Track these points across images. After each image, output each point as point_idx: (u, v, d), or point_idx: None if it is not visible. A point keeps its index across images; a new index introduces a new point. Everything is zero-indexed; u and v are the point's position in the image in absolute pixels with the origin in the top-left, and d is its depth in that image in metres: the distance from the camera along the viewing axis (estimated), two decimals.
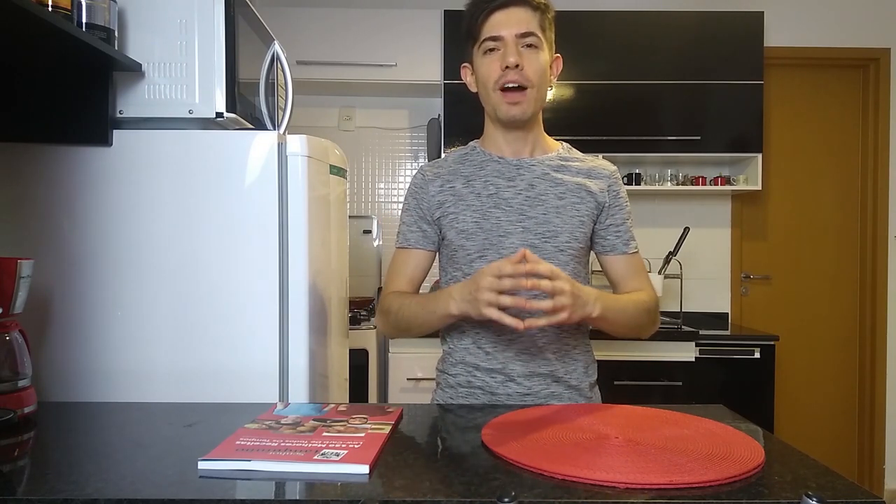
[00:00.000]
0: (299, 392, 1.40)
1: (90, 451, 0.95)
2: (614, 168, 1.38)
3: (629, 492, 0.75)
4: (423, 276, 1.37)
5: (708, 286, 3.43)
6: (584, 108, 3.09)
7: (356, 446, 0.88)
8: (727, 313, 3.45)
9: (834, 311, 3.49)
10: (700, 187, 3.26)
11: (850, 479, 0.80)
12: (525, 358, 1.29)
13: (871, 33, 3.39)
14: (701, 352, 2.86)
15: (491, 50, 1.26)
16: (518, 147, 1.34)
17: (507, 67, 1.24)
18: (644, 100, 3.09)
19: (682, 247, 3.06)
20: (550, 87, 1.33)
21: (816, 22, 3.40)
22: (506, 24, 1.24)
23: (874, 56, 3.40)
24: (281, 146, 1.38)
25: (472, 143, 1.39)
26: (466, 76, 1.35)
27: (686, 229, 3.06)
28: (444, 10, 3.05)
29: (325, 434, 0.93)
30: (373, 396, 2.83)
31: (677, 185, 3.28)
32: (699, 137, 3.09)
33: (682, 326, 2.93)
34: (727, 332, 3.06)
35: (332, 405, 1.10)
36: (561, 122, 3.03)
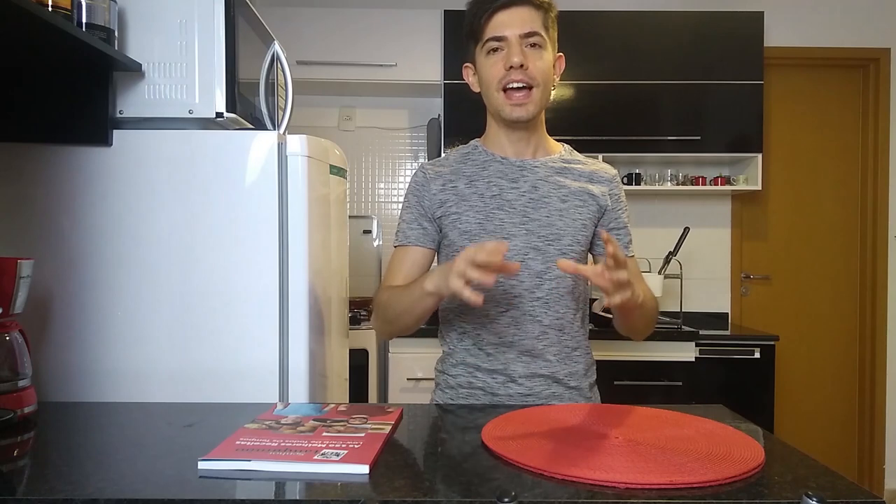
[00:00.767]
0: (299, 392, 1.40)
1: (90, 451, 0.95)
2: (615, 172, 1.38)
3: (629, 492, 0.75)
4: (421, 274, 1.36)
5: (708, 286, 3.43)
6: (584, 108, 3.08)
7: (356, 446, 0.88)
8: (727, 313, 3.45)
9: (834, 311, 3.49)
10: (700, 187, 3.26)
11: (850, 479, 0.80)
12: (526, 359, 1.29)
13: (871, 33, 3.39)
14: (701, 352, 2.86)
15: (494, 50, 1.26)
16: (521, 148, 1.34)
17: (511, 67, 1.23)
18: (644, 100, 3.09)
19: (682, 247, 3.06)
20: (554, 86, 1.32)
21: (816, 22, 3.40)
22: (509, 24, 1.24)
23: (874, 56, 3.40)
24: (281, 146, 1.38)
25: (473, 142, 1.39)
26: (469, 76, 1.35)
27: (686, 229, 3.06)
28: (444, 10, 3.06)
29: (325, 434, 0.93)
30: (373, 396, 2.83)
31: (677, 185, 3.28)
32: (699, 137, 3.09)
33: (682, 326, 2.93)
34: (727, 332, 3.06)
35: (332, 405, 1.10)
36: (561, 122, 3.02)
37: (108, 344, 1.35)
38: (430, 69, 3.13)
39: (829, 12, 3.40)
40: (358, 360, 2.67)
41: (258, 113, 1.54)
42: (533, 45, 1.25)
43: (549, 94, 1.31)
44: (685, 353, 2.82)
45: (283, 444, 0.88)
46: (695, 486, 0.76)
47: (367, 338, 2.80)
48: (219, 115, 1.35)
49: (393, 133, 3.50)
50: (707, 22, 3.10)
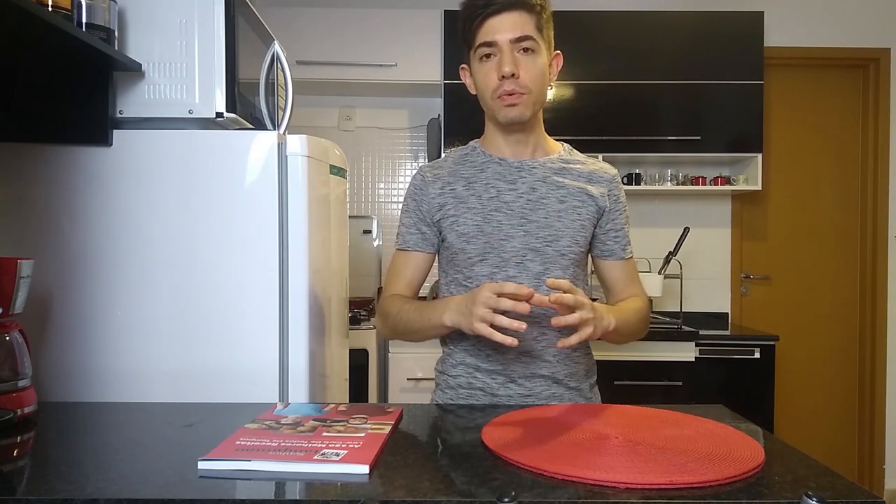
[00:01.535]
0: (299, 392, 1.40)
1: (90, 451, 0.95)
2: (615, 172, 1.38)
3: (629, 492, 0.75)
4: (422, 278, 1.37)
5: (708, 286, 3.44)
6: (584, 108, 3.09)
7: (356, 446, 0.88)
8: (727, 313, 3.45)
9: (834, 311, 3.49)
10: (700, 187, 3.26)
11: (850, 479, 0.80)
12: (526, 360, 1.29)
13: (871, 33, 3.39)
14: (701, 352, 2.86)
15: (487, 56, 1.25)
16: (519, 148, 1.33)
17: (503, 77, 1.23)
18: (644, 100, 3.09)
19: (682, 247, 3.06)
20: (551, 86, 1.32)
21: (816, 22, 3.40)
22: (500, 29, 1.22)
23: (874, 56, 3.40)
24: (281, 146, 1.38)
25: (472, 143, 1.39)
26: (465, 78, 1.35)
27: (686, 229, 3.06)
28: (444, 10, 3.06)
29: (325, 434, 0.93)
30: (373, 396, 2.83)
31: (677, 185, 3.28)
32: (699, 137, 3.09)
33: (682, 326, 2.93)
34: (727, 332, 3.06)
35: (332, 405, 1.10)
36: (561, 122, 3.03)
37: (108, 344, 1.35)
38: (430, 69, 3.12)
39: (829, 12, 3.40)
40: (358, 360, 2.67)
41: (258, 113, 1.54)
42: (525, 50, 1.23)
43: (545, 96, 1.31)
44: (685, 353, 2.82)
45: (283, 444, 0.88)
46: (695, 486, 0.76)
47: (367, 338, 2.80)
48: (219, 115, 1.35)
49: (393, 133, 3.50)
50: (707, 22, 3.10)
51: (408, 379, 2.78)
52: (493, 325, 1.06)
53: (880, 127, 3.41)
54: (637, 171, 3.27)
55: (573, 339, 1.07)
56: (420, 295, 1.39)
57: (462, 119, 2.98)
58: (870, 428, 3.42)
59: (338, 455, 0.84)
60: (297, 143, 1.40)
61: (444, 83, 3.08)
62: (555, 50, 1.31)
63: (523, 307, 1.06)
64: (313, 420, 1.00)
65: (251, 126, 1.47)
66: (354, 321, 2.87)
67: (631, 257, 1.37)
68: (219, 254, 1.36)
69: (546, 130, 1.38)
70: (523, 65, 1.23)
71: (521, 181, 1.31)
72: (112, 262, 1.35)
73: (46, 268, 1.32)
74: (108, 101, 1.34)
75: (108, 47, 1.24)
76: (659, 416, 1.05)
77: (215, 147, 1.37)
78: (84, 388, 1.34)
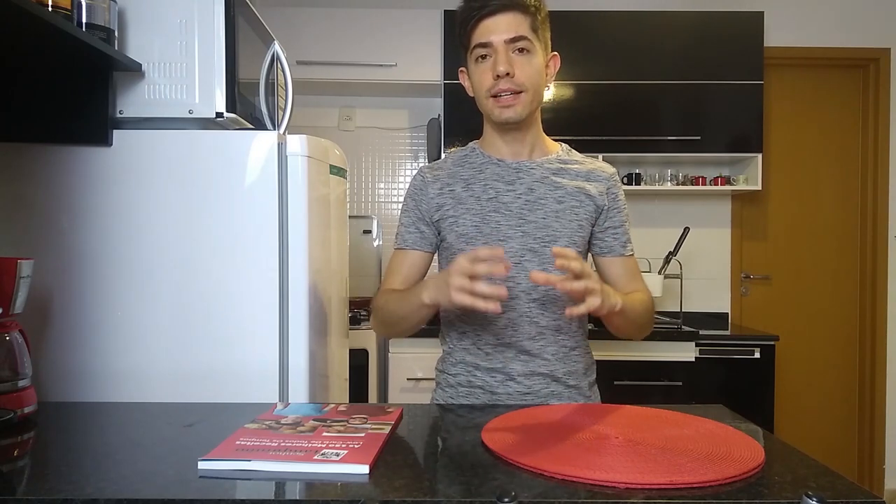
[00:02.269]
0: (299, 392, 1.40)
1: (90, 451, 0.95)
2: (613, 170, 1.38)
3: (629, 492, 0.75)
4: (419, 277, 1.37)
5: (708, 286, 3.43)
6: (584, 108, 3.09)
7: (356, 446, 0.88)
8: (727, 313, 3.45)
9: (834, 312, 3.49)
10: (700, 187, 3.26)
11: (850, 479, 0.80)
12: (524, 358, 1.29)
13: (871, 33, 3.39)
14: (701, 352, 2.86)
15: (483, 57, 1.25)
16: (517, 149, 1.34)
17: (498, 77, 1.23)
18: (644, 100, 3.09)
19: (682, 247, 3.06)
20: (547, 87, 1.32)
21: (816, 22, 3.40)
22: (495, 30, 1.23)
23: (874, 56, 3.40)
24: (281, 146, 1.38)
25: (471, 145, 1.39)
26: (464, 81, 1.35)
27: (686, 229, 3.06)
28: (444, 10, 3.06)
29: (325, 434, 0.93)
30: (373, 396, 2.83)
31: (677, 185, 3.28)
32: (699, 137, 3.09)
33: (682, 326, 2.93)
34: (727, 332, 3.06)
35: (332, 405, 1.10)
36: (561, 122, 3.03)
37: (108, 344, 1.35)
38: (430, 69, 3.13)
39: (829, 12, 3.40)
40: (358, 360, 2.67)
41: (258, 113, 1.54)
42: (521, 51, 1.24)
43: (541, 96, 1.31)
44: (685, 353, 2.82)
45: (283, 444, 0.88)
46: (695, 486, 0.76)
47: (367, 338, 2.80)
48: (219, 115, 1.35)
49: (393, 133, 3.50)
50: (707, 22, 3.10)
51: (408, 379, 2.78)
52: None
53: (880, 127, 3.41)
54: (637, 171, 3.27)
55: (581, 308, 1.05)
56: None
57: (462, 119, 2.98)
58: (870, 428, 3.42)
59: (338, 455, 0.84)
60: (297, 143, 1.40)
61: (444, 83, 3.08)
62: (553, 51, 1.32)
63: (499, 269, 1.04)
64: (313, 420, 1.00)
65: (251, 126, 1.47)
66: (354, 321, 2.87)
67: (632, 254, 1.37)
68: (219, 254, 1.36)
69: (545, 130, 1.38)
70: (518, 64, 1.23)
71: (519, 182, 1.31)
72: (112, 262, 1.35)
73: (46, 268, 1.32)
74: (108, 101, 1.34)
75: (108, 47, 1.24)
76: (659, 416, 1.05)
77: (215, 147, 1.37)
78: (84, 388, 1.34)
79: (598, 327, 2.59)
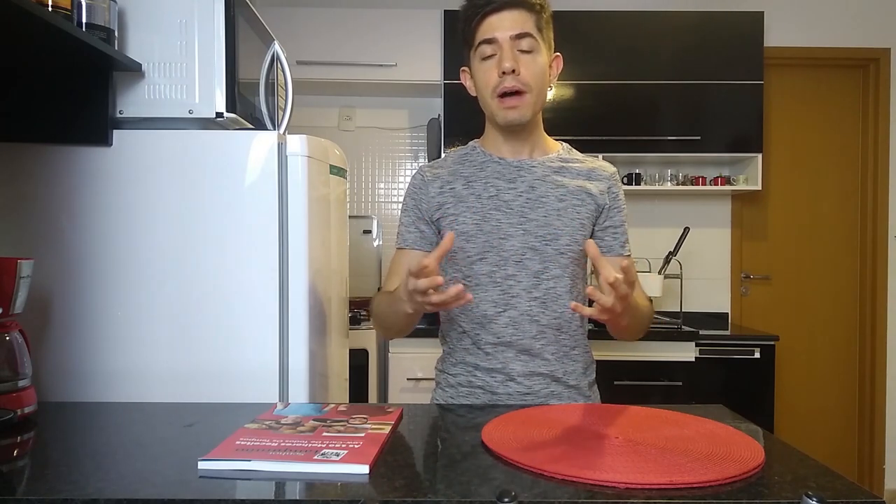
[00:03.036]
0: (299, 392, 1.40)
1: (90, 451, 0.95)
2: (614, 170, 1.38)
3: (629, 492, 0.75)
4: None
5: (708, 286, 3.44)
6: (584, 108, 3.09)
7: (356, 446, 0.88)
8: (727, 313, 3.45)
9: (834, 311, 3.49)
10: (700, 187, 3.26)
11: (850, 479, 0.80)
12: (525, 358, 1.29)
13: (871, 33, 3.39)
14: (701, 352, 2.86)
15: (487, 56, 1.25)
16: (518, 148, 1.34)
17: (503, 73, 1.23)
18: (644, 100, 3.09)
19: (682, 247, 3.06)
20: (550, 87, 1.32)
21: (816, 22, 3.40)
22: (500, 26, 1.23)
23: (874, 56, 3.40)
24: (281, 146, 1.38)
25: (472, 143, 1.39)
26: (466, 80, 1.35)
27: (686, 229, 3.06)
28: (444, 10, 3.06)
29: (325, 434, 0.93)
30: (373, 396, 2.84)
31: (677, 185, 3.28)
32: (699, 137, 3.09)
33: (682, 326, 2.93)
34: (727, 332, 3.06)
35: (332, 405, 1.10)
36: (561, 122, 3.03)
37: (108, 344, 1.35)
38: (430, 69, 3.13)
39: (829, 12, 3.40)
40: (358, 360, 2.68)
41: (258, 113, 1.54)
42: (526, 50, 1.24)
43: (545, 97, 1.31)
44: (685, 353, 2.82)
45: (283, 444, 0.88)
46: (695, 486, 0.76)
47: (367, 338, 2.80)
48: (219, 115, 1.35)
49: (393, 133, 3.50)
50: (707, 22, 3.10)
51: (408, 379, 2.78)
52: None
53: (880, 127, 3.41)
54: (637, 171, 3.27)
55: (591, 310, 1.05)
56: None
57: (462, 119, 2.98)
58: (870, 428, 3.42)
59: (338, 455, 0.84)
60: (297, 143, 1.40)
61: (444, 83, 3.09)
62: (555, 52, 1.32)
63: (436, 280, 1.03)
64: (313, 420, 1.00)
65: (251, 126, 1.47)
66: (354, 321, 2.87)
67: (629, 255, 1.37)
68: (219, 254, 1.36)
69: (546, 130, 1.38)
70: (524, 62, 1.23)
71: (520, 180, 1.31)
72: (112, 262, 1.35)
73: (46, 268, 1.32)
74: (108, 101, 1.34)
75: (108, 47, 1.24)
76: (659, 416, 1.05)
77: (215, 147, 1.37)
78: (84, 388, 1.34)
79: (597, 327, 2.59)
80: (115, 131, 1.36)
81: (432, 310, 1.10)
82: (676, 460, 0.83)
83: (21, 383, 1.08)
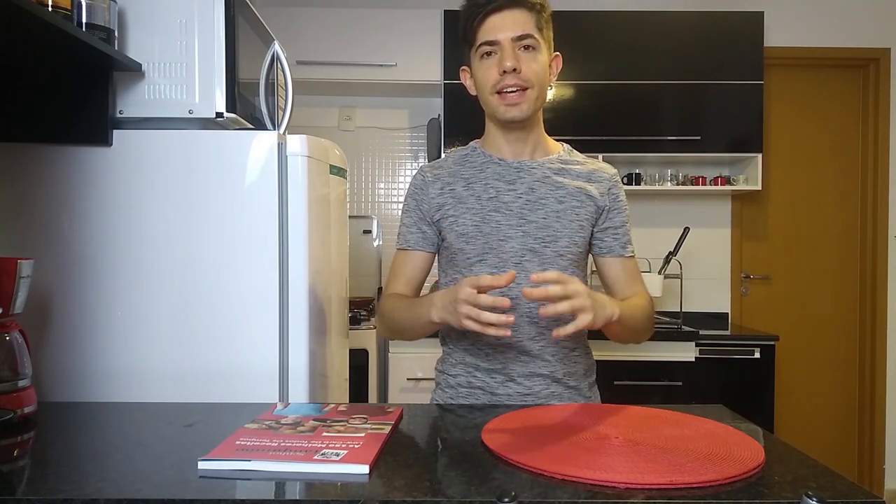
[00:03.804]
0: (299, 392, 1.40)
1: (90, 451, 0.95)
2: (614, 171, 1.38)
3: (629, 492, 0.75)
4: (422, 277, 1.37)
5: (708, 286, 3.43)
6: (584, 108, 3.09)
7: (356, 446, 0.88)
8: (727, 313, 3.45)
9: (834, 311, 3.49)
10: (700, 187, 3.26)
11: (850, 479, 0.80)
12: (525, 359, 1.29)
13: (871, 33, 3.39)
14: (701, 352, 2.86)
15: (488, 54, 1.25)
16: (518, 148, 1.33)
17: (504, 72, 1.23)
18: (644, 100, 3.09)
19: (682, 247, 3.06)
20: (550, 86, 1.32)
21: (816, 22, 3.40)
22: (501, 27, 1.23)
23: (874, 56, 3.40)
24: (281, 146, 1.38)
25: (472, 144, 1.39)
26: (466, 79, 1.35)
27: (686, 229, 3.06)
28: (444, 10, 3.06)
29: (325, 434, 0.93)
30: (373, 396, 2.83)
31: (677, 185, 3.28)
32: (699, 137, 3.09)
33: (682, 326, 2.93)
34: (727, 332, 3.06)
35: (332, 405, 1.10)
36: (561, 122, 3.03)
37: (108, 344, 1.35)
38: (430, 69, 3.13)
39: (829, 12, 3.40)
40: (358, 360, 2.67)
41: (258, 113, 1.54)
42: (526, 48, 1.24)
43: (545, 95, 1.31)
44: (685, 353, 2.82)
45: (283, 444, 0.88)
46: (695, 486, 0.76)
47: (367, 338, 2.80)
48: (219, 115, 1.35)
49: (393, 133, 3.50)
50: (707, 22, 3.10)
51: (408, 379, 2.78)
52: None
53: (880, 127, 3.41)
54: (637, 171, 3.27)
55: (569, 329, 1.04)
56: (422, 295, 1.39)
57: (462, 119, 2.98)
58: (870, 428, 3.42)
59: (338, 455, 0.84)
60: (297, 143, 1.40)
61: (444, 83, 3.08)
62: (555, 51, 1.32)
63: (503, 302, 1.04)
64: (313, 420, 1.00)
65: (251, 126, 1.47)
66: (354, 321, 2.87)
67: (632, 256, 1.37)
68: (219, 254, 1.36)
69: (546, 130, 1.38)
70: (524, 60, 1.23)
71: (520, 181, 1.31)
72: (112, 262, 1.35)
73: (46, 268, 1.32)
74: (108, 101, 1.34)
75: (108, 47, 1.24)
76: (659, 416, 1.05)
77: (215, 147, 1.37)
78: (84, 388, 1.34)
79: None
80: (115, 131, 1.36)
81: (466, 328, 1.06)
82: (676, 460, 0.83)
83: (21, 383, 1.08)
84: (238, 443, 0.88)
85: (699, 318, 3.33)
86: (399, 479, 0.80)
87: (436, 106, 3.28)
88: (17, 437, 1.01)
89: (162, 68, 1.35)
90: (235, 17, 1.38)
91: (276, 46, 1.58)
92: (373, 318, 2.94)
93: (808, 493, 0.70)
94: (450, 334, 1.36)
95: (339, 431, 0.94)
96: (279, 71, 1.60)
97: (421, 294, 1.38)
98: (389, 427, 0.98)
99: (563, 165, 1.34)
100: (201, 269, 1.36)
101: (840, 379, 3.48)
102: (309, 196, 1.41)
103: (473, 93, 1.33)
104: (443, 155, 2.86)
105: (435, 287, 1.51)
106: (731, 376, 2.90)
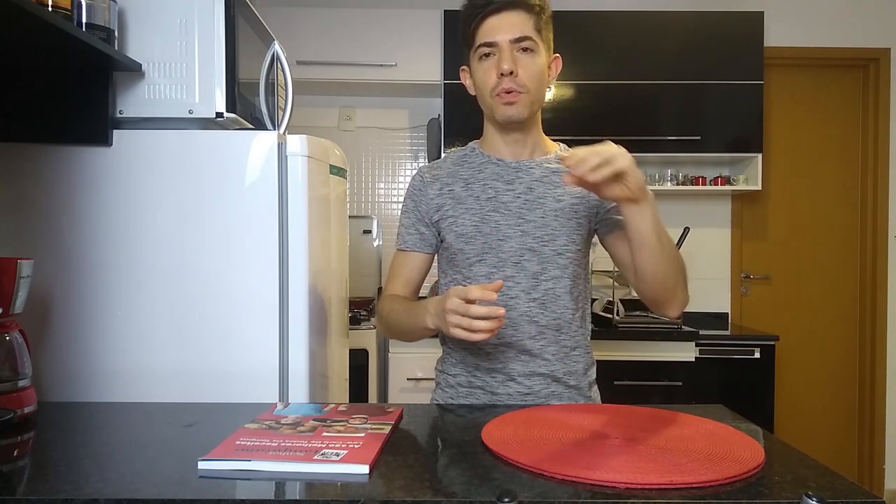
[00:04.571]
0: (299, 392, 1.40)
1: (90, 451, 0.95)
2: None
3: (629, 492, 0.75)
4: (421, 278, 1.37)
5: (708, 286, 3.44)
6: (584, 108, 3.09)
7: (356, 446, 0.88)
8: (727, 313, 3.45)
9: (834, 311, 3.49)
10: (700, 187, 3.26)
11: (850, 479, 0.80)
12: (525, 358, 1.29)
13: (871, 33, 3.39)
14: (701, 352, 2.86)
15: (486, 55, 1.25)
16: (517, 149, 1.33)
17: (501, 75, 1.23)
18: (644, 100, 3.09)
19: (682, 247, 3.06)
20: (549, 87, 1.32)
21: (816, 22, 3.40)
22: (500, 29, 1.23)
23: (874, 56, 3.40)
24: (281, 146, 1.38)
25: (471, 144, 1.39)
26: (465, 79, 1.35)
27: (686, 229, 3.06)
28: (444, 10, 3.06)
29: (325, 434, 0.93)
30: (373, 396, 2.83)
31: (677, 185, 3.28)
32: (699, 137, 3.09)
33: (682, 326, 2.93)
34: (727, 332, 3.06)
35: (332, 405, 1.10)
36: (561, 122, 3.03)
37: (108, 344, 1.35)
38: (430, 69, 3.13)
39: (829, 12, 3.40)
40: (358, 360, 2.68)
41: (258, 113, 1.54)
42: (525, 50, 1.24)
43: (543, 97, 1.31)
44: (685, 353, 2.82)
45: (283, 444, 0.88)
46: (695, 486, 0.76)
47: (367, 338, 2.80)
48: (219, 115, 1.35)
49: (393, 133, 3.50)
50: (707, 22, 3.10)
51: (408, 379, 2.78)
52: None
53: (880, 127, 3.41)
54: None
55: (605, 170, 1.03)
56: (421, 295, 1.39)
57: (462, 119, 2.98)
58: (870, 428, 3.42)
59: (338, 455, 0.84)
60: (297, 143, 1.40)
61: (444, 83, 3.09)
62: (554, 52, 1.32)
63: (497, 311, 1.03)
64: (313, 420, 1.00)
65: (251, 126, 1.47)
66: (354, 321, 2.87)
67: None
68: (219, 254, 1.36)
69: (546, 130, 1.38)
70: (522, 63, 1.23)
71: (518, 181, 1.31)
72: (112, 262, 1.35)
73: (46, 268, 1.32)
74: (108, 101, 1.34)
75: (108, 47, 1.24)
76: (659, 416, 1.05)
77: (215, 147, 1.37)
78: (84, 388, 1.34)
79: (599, 327, 2.59)
80: (115, 131, 1.36)
81: (454, 336, 1.07)
82: (676, 460, 0.83)
83: (21, 383, 1.08)
84: (238, 443, 0.88)
85: (699, 318, 3.33)
86: (399, 479, 0.80)
87: (436, 106, 3.28)
88: (17, 437, 1.01)
89: (162, 68, 1.35)
90: (235, 17, 1.38)
91: (276, 46, 1.58)
92: (373, 319, 2.94)
93: (808, 493, 0.70)
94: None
95: (339, 431, 0.94)
96: (279, 71, 1.60)
97: (420, 294, 1.38)
98: (389, 427, 0.98)
99: (560, 165, 1.34)
100: (201, 269, 1.35)
101: (840, 379, 3.48)
102: (309, 196, 1.41)
103: (473, 93, 1.33)
104: (443, 155, 2.86)
105: (435, 287, 1.51)
106: (731, 376, 2.90)
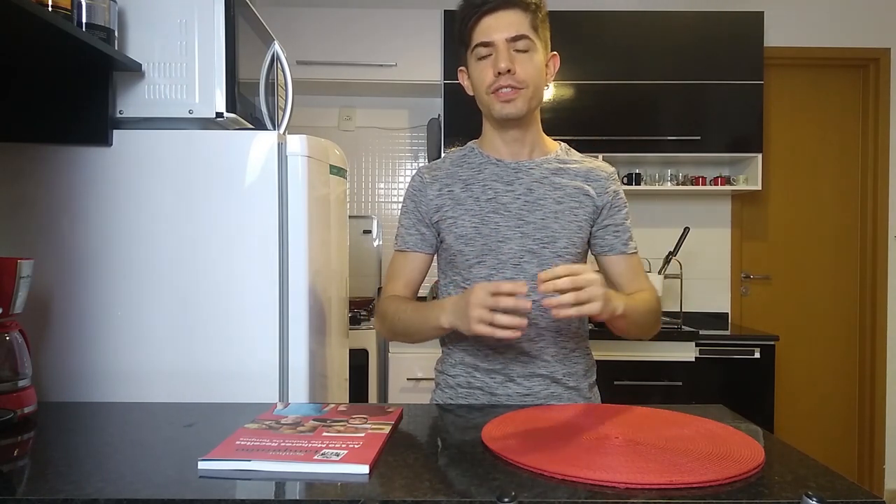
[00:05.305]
0: (299, 392, 1.40)
1: (90, 451, 0.95)
2: (613, 169, 1.38)
3: (629, 492, 0.75)
4: (420, 278, 1.37)
5: (708, 286, 3.44)
6: (584, 108, 3.09)
7: (356, 446, 0.88)
8: (727, 313, 3.45)
9: (834, 311, 3.49)
10: (700, 187, 3.26)
11: (850, 479, 0.80)
12: (525, 359, 1.29)
13: (871, 33, 3.39)
14: (701, 352, 2.86)
15: (483, 55, 1.25)
16: (516, 148, 1.33)
17: (499, 73, 1.23)
18: (644, 100, 3.09)
19: (682, 247, 3.06)
20: (547, 85, 1.32)
21: (816, 22, 3.40)
22: (496, 28, 1.23)
23: (874, 56, 3.40)
24: (281, 146, 1.38)
25: (470, 144, 1.39)
26: (463, 80, 1.35)
27: (686, 229, 3.06)
28: (444, 10, 3.06)
29: (325, 434, 0.93)
30: (373, 396, 2.84)
31: (677, 185, 3.28)
32: (699, 137, 3.09)
33: (682, 326, 2.93)
34: (727, 332, 3.06)
35: (332, 405, 1.10)
36: (561, 122, 3.03)
37: (108, 344, 1.35)
38: (430, 69, 3.13)
39: (829, 12, 3.40)
40: (358, 360, 2.68)
41: (258, 113, 1.54)
42: (521, 49, 1.24)
43: (541, 94, 1.31)
44: (685, 353, 2.82)
45: (283, 444, 0.88)
46: (695, 486, 0.76)
47: (367, 338, 2.80)
48: (219, 115, 1.35)
49: (393, 133, 3.50)
50: (707, 22, 3.10)
51: (408, 379, 2.78)
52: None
53: (880, 127, 3.41)
54: (637, 171, 3.27)
55: (571, 311, 1.03)
56: (420, 295, 1.39)
57: (462, 119, 2.98)
58: (870, 428, 3.42)
59: (338, 455, 0.84)
60: (297, 143, 1.40)
61: (444, 83, 3.08)
62: (552, 51, 1.32)
63: (525, 304, 1.04)
64: (313, 420, 1.00)
65: (251, 126, 1.47)
66: (354, 321, 2.87)
67: (634, 253, 1.36)
68: (219, 254, 1.36)
69: (545, 130, 1.38)
70: (519, 62, 1.23)
71: (518, 182, 1.31)
72: (112, 262, 1.35)
73: (46, 268, 1.32)
74: (108, 101, 1.34)
75: (108, 47, 1.24)
76: (659, 416, 1.05)
77: (215, 147, 1.37)
78: (84, 388, 1.34)
79: (598, 328, 2.59)
80: (115, 131, 1.36)
81: (476, 332, 1.06)
82: (676, 460, 0.83)
83: (21, 383, 1.08)
84: (238, 443, 0.88)
85: (699, 318, 3.33)
86: (399, 479, 0.80)
87: (436, 106, 3.28)
88: (17, 437, 1.01)
89: (162, 68, 1.35)
90: (235, 17, 1.38)
91: (276, 46, 1.58)
92: (373, 319, 2.94)
93: (808, 493, 0.70)
94: (450, 334, 1.36)
95: (339, 431, 0.94)
96: (279, 71, 1.60)
97: (419, 294, 1.38)
98: (389, 427, 0.98)
99: (560, 165, 1.34)
100: (201, 269, 1.36)
101: (840, 379, 3.48)
102: (309, 196, 1.41)
103: (471, 93, 1.33)
104: (442, 155, 2.86)
105: (434, 287, 1.51)
106: (731, 376, 2.90)
